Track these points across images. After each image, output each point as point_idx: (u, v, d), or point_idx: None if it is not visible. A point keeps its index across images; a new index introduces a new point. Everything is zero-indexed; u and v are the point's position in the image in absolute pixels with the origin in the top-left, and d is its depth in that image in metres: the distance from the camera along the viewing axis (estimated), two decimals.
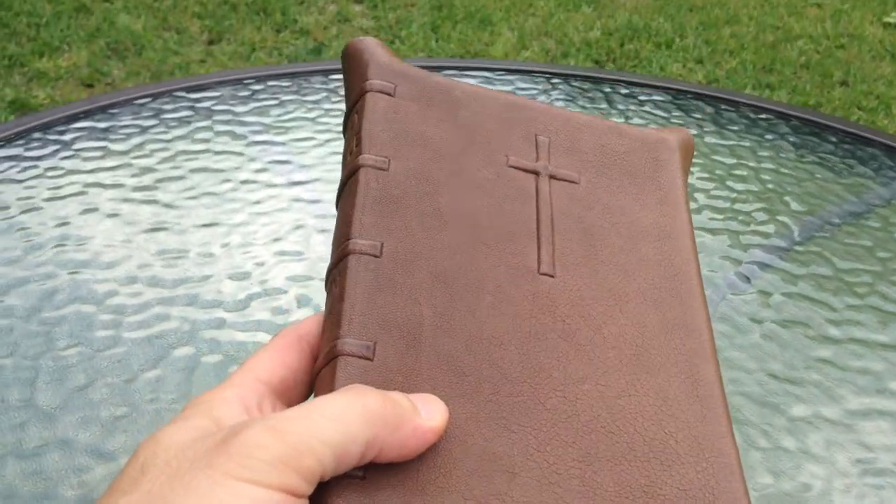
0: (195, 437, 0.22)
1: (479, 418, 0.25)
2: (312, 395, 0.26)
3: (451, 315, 0.27)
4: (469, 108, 0.32)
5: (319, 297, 0.53)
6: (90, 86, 2.07)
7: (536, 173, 0.31)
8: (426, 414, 0.24)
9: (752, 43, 2.53)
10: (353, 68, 0.31)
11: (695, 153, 0.70)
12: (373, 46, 0.32)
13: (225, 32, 2.34)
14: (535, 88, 0.80)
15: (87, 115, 0.70)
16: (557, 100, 0.78)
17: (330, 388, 0.24)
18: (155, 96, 0.73)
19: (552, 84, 0.81)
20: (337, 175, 0.65)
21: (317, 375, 0.26)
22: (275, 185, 0.63)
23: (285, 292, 0.53)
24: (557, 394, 0.26)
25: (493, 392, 0.25)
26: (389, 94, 0.30)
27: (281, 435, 0.21)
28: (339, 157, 0.67)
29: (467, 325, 0.27)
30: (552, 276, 0.29)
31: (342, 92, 0.77)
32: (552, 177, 0.31)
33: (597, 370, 0.27)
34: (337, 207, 0.30)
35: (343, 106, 0.74)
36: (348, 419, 0.22)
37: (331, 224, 0.60)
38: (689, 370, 0.28)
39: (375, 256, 0.27)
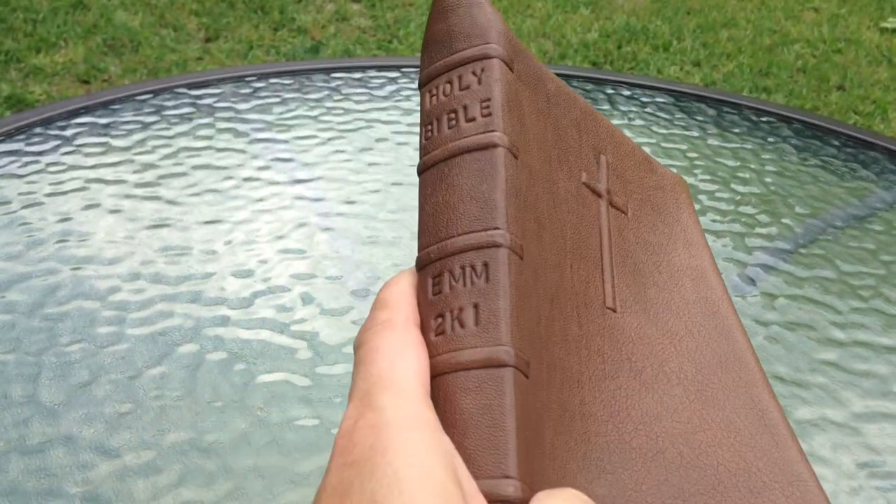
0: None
1: (577, 458, 0.24)
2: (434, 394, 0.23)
3: (554, 343, 0.25)
4: (559, 107, 0.29)
5: (323, 295, 0.53)
6: (86, 82, 2.06)
7: (600, 196, 0.30)
8: None
9: (749, 46, 2.54)
10: (468, 19, 0.27)
11: (697, 155, 0.70)
12: (488, 2, 0.28)
13: (222, 30, 2.34)
14: None
15: (87, 110, 0.69)
16: None
17: (498, 401, 0.21)
18: (156, 92, 0.73)
19: None
20: (339, 174, 0.65)
21: (460, 370, 0.22)
22: (277, 183, 0.63)
23: (289, 290, 0.53)
24: (640, 433, 0.26)
25: (584, 432, 0.25)
26: (511, 69, 0.26)
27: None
28: (342, 157, 0.67)
29: (562, 358, 0.25)
30: (615, 311, 0.28)
31: (344, 91, 0.77)
32: (610, 203, 0.30)
33: (668, 407, 0.27)
34: (426, 168, 0.25)
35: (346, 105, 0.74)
36: None
37: (334, 223, 0.60)
38: (750, 400, 0.29)
39: (520, 258, 0.24)
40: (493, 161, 0.24)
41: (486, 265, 0.23)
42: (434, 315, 0.23)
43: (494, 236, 0.23)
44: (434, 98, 0.26)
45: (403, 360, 0.22)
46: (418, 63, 0.83)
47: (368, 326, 0.24)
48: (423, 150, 0.26)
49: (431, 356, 0.23)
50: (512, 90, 0.26)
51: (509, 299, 0.23)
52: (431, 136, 0.26)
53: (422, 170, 0.26)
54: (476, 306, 0.23)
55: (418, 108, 0.75)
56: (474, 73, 0.26)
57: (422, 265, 0.24)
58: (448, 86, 0.26)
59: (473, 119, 0.25)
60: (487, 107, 0.25)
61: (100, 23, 2.31)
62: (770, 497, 0.26)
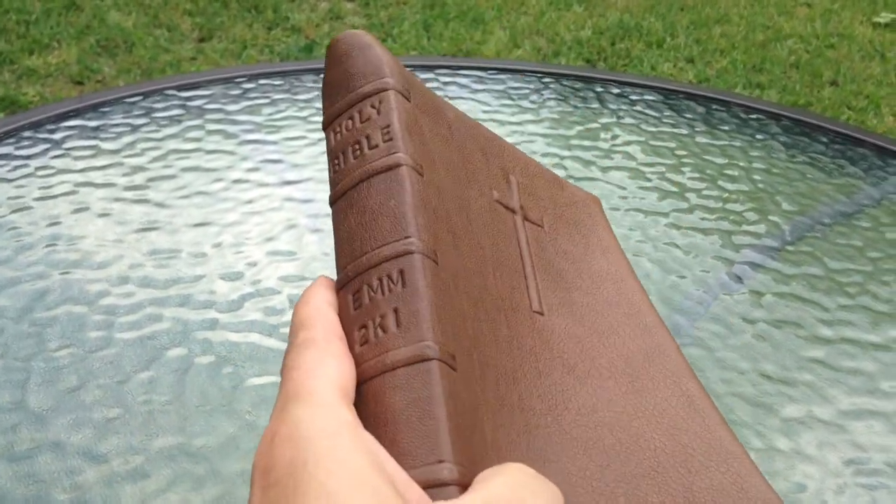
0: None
1: (520, 449, 0.25)
2: (366, 397, 0.23)
3: (484, 343, 0.26)
4: (461, 133, 0.31)
5: None
6: (80, 83, 2.06)
7: (514, 212, 0.31)
8: None
9: (742, 42, 2.54)
10: (361, 60, 0.28)
11: (686, 152, 0.70)
12: (379, 43, 0.29)
13: (216, 30, 2.33)
14: (526, 88, 0.80)
15: (77, 113, 0.69)
16: (549, 99, 0.78)
17: (426, 392, 0.22)
18: (146, 95, 0.73)
19: (544, 83, 0.81)
20: (327, 175, 0.65)
21: (387, 372, 0.23)
22: (267, 185, 0.63)
23: (278, 293, 0.53)
24: (579, 423, 0.27)
25: (525, 424, 0.26)
26: (407, 99, 0.28)
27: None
28: None
29: (494, 357, 0.26)
30: (542, 314, 0.29)
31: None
32: (525, 218, 0.32)
33: (603, 399, 0.29)
34: (336, 199, 0.26)
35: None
36: None
37: (324, 223, 0.60)
38: (679, 388, 0.30)
39: (435, 262, 0.24)
40: (399, 178, 0.25)
41: (401, 272, 0.24)
42: (357, 327, 0.24)
43: (407, 244, 0.24)
44: (338, 135, 0.28)
45: (321, 370, 0.22)
46: (413, 63, 0.83)
47: (289, 349, 0.24)
48: (333, 184, 0.27)
49: (358, 365, 0.23)
50: (411, 117, 0.27)
51: (427, 299, 0.23)
52: (339, 168, 0.27)
53: (333, 201, 0.27)
54: (396, 311, 0.23)
55: None
56: (373, 106, 0.27)
57: (341, 286, 0.25)
58: (350, 121, 0.27)
59: (376, 146, 0.26)
60: (388, 132, 0.26)
61: (93, 23, 2.31)
62: (708, 475, 0.27)
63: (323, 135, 0.70)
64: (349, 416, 0.21)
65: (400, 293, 0.23)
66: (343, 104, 0.28)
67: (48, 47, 2.19)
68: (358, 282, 0.24)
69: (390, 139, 0.26)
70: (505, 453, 0.24)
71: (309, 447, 0.20)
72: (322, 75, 0.79)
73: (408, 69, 0.30)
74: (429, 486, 0.20)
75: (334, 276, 0.55)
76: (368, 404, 0.22)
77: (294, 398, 0.21)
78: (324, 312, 0.24)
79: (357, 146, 0.27)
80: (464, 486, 0.21)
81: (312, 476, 0.19)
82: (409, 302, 0.23)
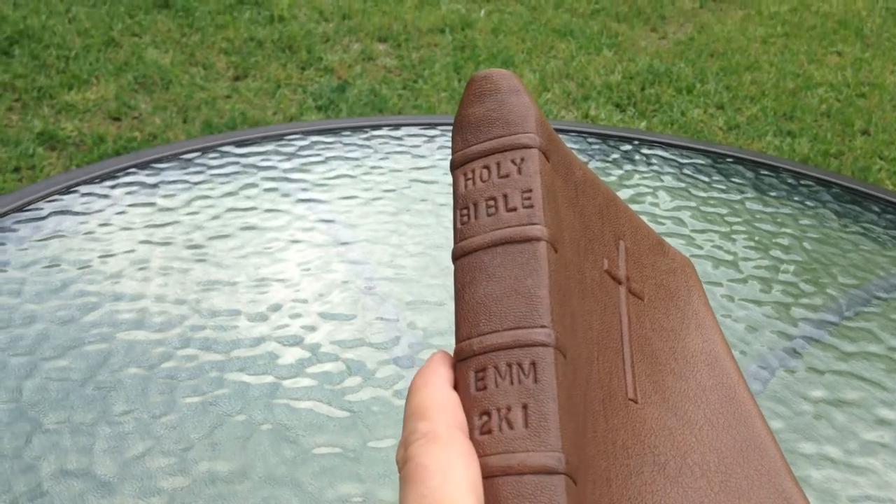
0: None
1: None
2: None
3: (586, 443, 0.25)
4: (585, 195, 0.29)
5: (369, 362, 0.53)
6: (118, 119, 2.09)
7: (620, 283, 0.30)
8: None
9: (772, 90, 2.55)
10: (507, 106, 0.27)
11: (738, 220, 0.70)
12: (526, 89, 0.28)
13: (251, 69, 2.37)
14: (574, 147, 0.81)
15: (136, 168, 0.71)
16: (595, 159, 0.78)
17: None
18: (202, 151, 0.74)
19: (589, 143, 0.81)
20: (381, 235, 0.65)
21: (511, 475, 0.22)
22: (321, 245, 0.64)
23: (335, 358, 0.53)
24: None
25: None
26: (547, 159, 0.27)
27: None
28: (383, 218, 0.68)
29: (593, 457, 0.25)
30: (636, 403, 0.28)
31: (385, 150, 0.78)
32: (629, 290, 0.31)
33: (693, 500, 0.28)
34: (463, 255, 0.25)
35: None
36: None
37: (379, 286, 0.60)
38: (775, 489, 0.29)
39: (564, 357, 0.24)
40: (537, 255, 0.24)
41: (533, 364, 0.23)
42: (479, 412, 0.23)
43: (541, 335, 0.23)
44: (470, 182, 0.26)
45: (454, 475, 0.22)
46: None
47: (410, 441, 0.23)
48: (459, 235, 0.26)
49: (479, 456, 0.22)
50: (549, 181, 0.26)
51: (557, 402, 0.22)
52: (468, 220, 0.25)
53: (458, 255, 0.25)
54: (525, 407, 0.22)
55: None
56: (514, 162, 0.26)
57: (462, 357, 0.24)
58: (485, 171, 0.26)
59: (515, 209, 0.25)
60: (529, 198, 0.25)
61: (131, 60, 2.35)
62: None
63: (375, 195, 0.71)
64: None
65: (531, 388, 0.23)
66: (479, 150, 0.26)
67: (87, 83, 2.23)
68: (483, 360, 0.23)
69: (531, 206, 0.25)
70: None
71: None
72: (371, 132, 0.80)
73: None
74: None
75: (385, 341, 0.55)
76: (488, 501, 0.22)
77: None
78: (444, 400, 0.23)
79: (493, 203, 0.25)
80: None
81: None
82: (540, 402, 0.22)
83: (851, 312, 0.60)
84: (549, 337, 0.23)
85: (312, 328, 0.56)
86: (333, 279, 0.60)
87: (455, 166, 0.27)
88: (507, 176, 0.26)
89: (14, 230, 0.62)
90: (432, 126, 0.82)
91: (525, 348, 0.23)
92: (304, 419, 0.49)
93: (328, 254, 0.63)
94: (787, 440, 0.49)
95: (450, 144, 0.80)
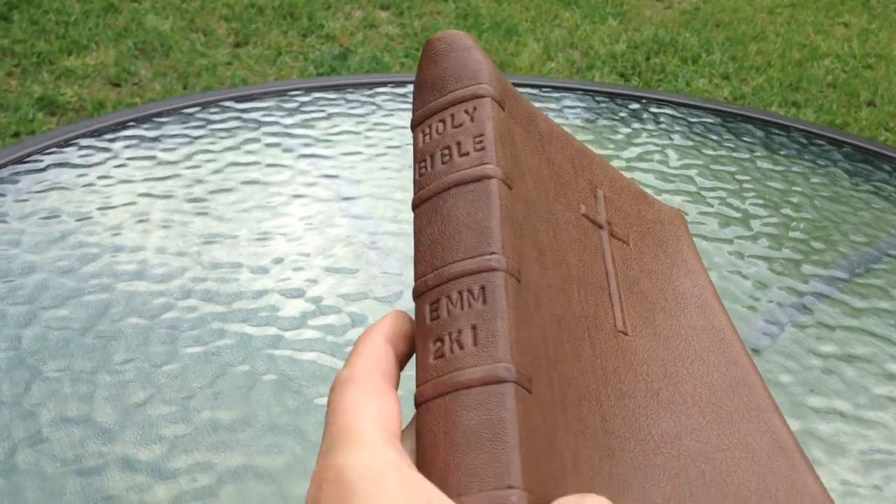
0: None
1: (603, 473, 0.24)
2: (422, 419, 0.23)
3: (566, 364, 0.25)
4: (552, 145, 0.30)
5: (373, 315, 0.52)
6: (117, 85, 2.07)
7: (600, 227, 0.31)
8: None
9: (778, 60, 2.52)
10: (459, 62, 0.27)
11: (748, 178, 0.69)
12: (478, 46, 0.28)
13: (251, 36, 2.35)
14: (580, 105, 0.79)
15: (136, 122, 0.70)
16: (605, 118, 0.77)
17: (499, 415, 0.21)
18: (203, 105, 0.73)
19: (597, 101, 0.80)
20: (384, 191, 0.64)
21: (460, 389, 0.22)
22: (325, 200, 0.63)
23: (339, 311, 0.53)
24: (662, 450, 0.26)
25: (607, 447, 0.25)
26: (502, 108, 0.27)
27: None
28: (388, 174, 0.67)
29: (577, 377, 0.25)
30: (626, 335, 0.28)
31: (389, 107, 0.77)
32: (611, 234, 0.31)
33: (686, 427, 0.27)
34: (420, 203, 0.26)
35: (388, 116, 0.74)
36: None
37: (383, 241, 0.59)
38: (764, 424, 0.29)
39: (518, 281, 0.24)
40: (488, 191, 0.25)
41: (483, 288, 0.23)
42: (433, 339, 0.23)
43: (490, 261, 0.24)
44: (427, 136, 0.27)
45: (362, 411, 0.22)
46: None
47: (332, 387, 0.24)
48: (417, 186, 0.26)
49: (431, 379, 0.23)
50: (504, 127, 0.27)
51: (507, 319, 0.23)
52: (425, 171, 0.26)
53: (416, 204, 0.26)
54: (474, 328, 0.23)
55: None
56: (466, 112, 0.26)
57: (419, 293, 0.25)
58: (441, 124, 0.27)
59: (467, 153, 0.26)
60: (480, 141, 0.26)
61: (131, 26, 2.32)
62: None
63: (379, 151, 0.70)
64: (395, 456, 0.21)
65: (480, 310, 0.23)
66: (435, 106, 0.27)
67: (86, 49, 2.20)
68: (437, 292, 0.24)
69: (482, 149, 0.26)
70: (587, 478, 0.23)
71: (354, 491, 0.20)
72: (375, 89, 0.79)
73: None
74: None
75: (389, 294, 0.54)
76: (438, 420, 0.22)
77: (339, 441, 0.21)
78: (369, 347, 0.24)
79: (447, 151, 0.26)
80: None
81: None
82: (488, 320, 0.23)
83: (862, 269, 0.59)
84: (498, 262, 0.24)
85: (315, 281, 0.55)
86: (337, 234, 0.60)
87: (414, 126, 0.28)
88: (460, 125, 0.26)
89: (13, 182, 0.61)
90: None
91: (475, 275, 0.24)
92: (307, 370, 0.48)
93: (331, 209, 0.62)
94: (795, 394, 0.49)
95: None
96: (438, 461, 0.21)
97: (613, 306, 0.29)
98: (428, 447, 0.22)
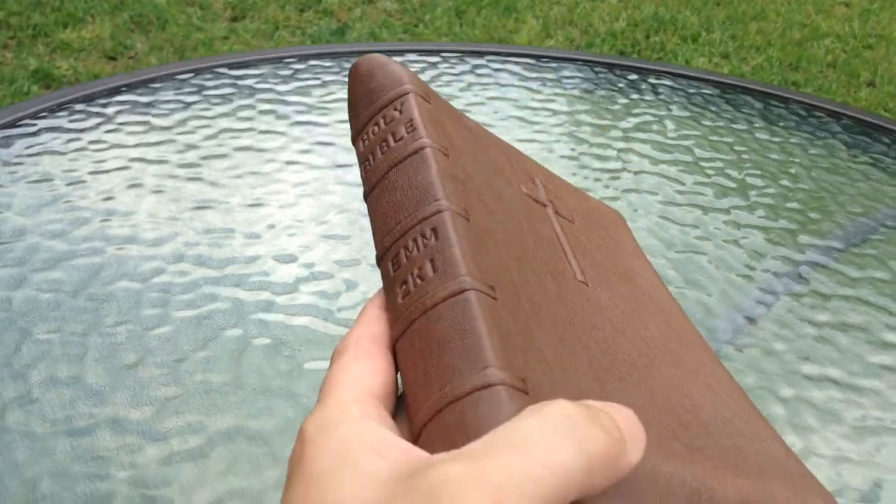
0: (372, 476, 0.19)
1: (587, 379, 0.24)
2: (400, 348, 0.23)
3: (532, 291, 0.26)
4: (482, 140, 0.32)
5: (366, 281, 0.52)
6: (113, 58, 2.06)
7: (544, 205, 0.32)
8: (632, 445, 0.19)
9: (778, 40, 2.51)
10: (381, 75, 0.30)
11: (745, 148, 0.69)
12: (395, 62, 0.32)
13: (248, 10, 2.33)
14: (578, 76, 0.79)
15: (128, 88, 0.69)
16: (603, 89, 0.76)
17: (465, 315, 0.22)
18: (196, 72, 0.72)
19: (595, 72, 0.80)
20: None
21: (428, 310, 0.23)
22: (319, 167, 0.62)
23: (332, 276, 0.52)
24: (634, 376, 0.26)
25: (588, 359, 0.25)
26: (428, 102, 0.29)
27: (481, 474, 0.17)
28: None
29: (546, 304, 0.26)
30: (587, 285, 0.29)
31: None
32: (556, 212, 0.32)
33: (654, 361, 0.28)
34: (369, 192, 0.27)
35: None
36: (566, 466, 0.17)
37: None
38: (715, 373, 0.30)
39: (466, 219, 0.25)
40: (425, 157, 0.27)
41: (434, 229, 0.24)
42: (399, 284, 0.24)
43: (437, 205, 0.25)
44: (365, 142, 0.29)
45: (344, 375, 0.23)
46: (458, 48, 0.82)
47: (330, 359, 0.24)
48: (365, 182, 0.28)
49: (401, 314, 0.23)
50: (433, 114, 0.29)
51: (461, 245, 0.24)
52: (369, 166, 0.28)
53: (366, 194, 0.28)
54: (432, 260, 0.24)
55: (459, 94, 0.74)
56: (395, 109, 0.29)
57: (380, 258, 0.26)
58: (375, 127, 0.29)
59: (401, 138, 0.28)
60: (411, 125, 0.28)
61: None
62: (755, 443, 0.27)
63: None
64: (356, 410, 0.21)
65: (434, 245, 0.24)
66: (367, 114, 0.29)
67: (82, 21, 2.19)
68: (394, 249, 0.25)
69: (413, 129, 0.27)
70: (574, 379, 0.23)
71: (307, 441, 0.20)
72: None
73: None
74: (478, 390, 0.20)
75: None
76: (415, 345, 0.22)
77: (316, 404, 0.22)
78: (364, 316, 0.25)
79: (384, 143, 0.28)
80: (520, 391, 0.20)
81: (301, 466, 0.19)
82: (443, 249, 0.24)
83: (859, 240, 0.59)
84: (444, 205, 0.25)
85: (309, 247, 0.55)
86: (331, 201, 0.59)
87: (354, 140, 0.29)
88: (392, 121, 0.29)
89: (5, 146, 0.61)
90: (434, 53, 0.80)
91: (425, 221, 0.25)
92: (300, 335, 0.48)
93: (326, 176, 0.62)
94: (789, 362, 0.49)
95: (451, 71, 0.78)
96: (416, 381, 0.21)
97: (570, 262, 0.30)
98: (408, 376, 0.22)
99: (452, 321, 0.22)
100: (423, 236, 0.24)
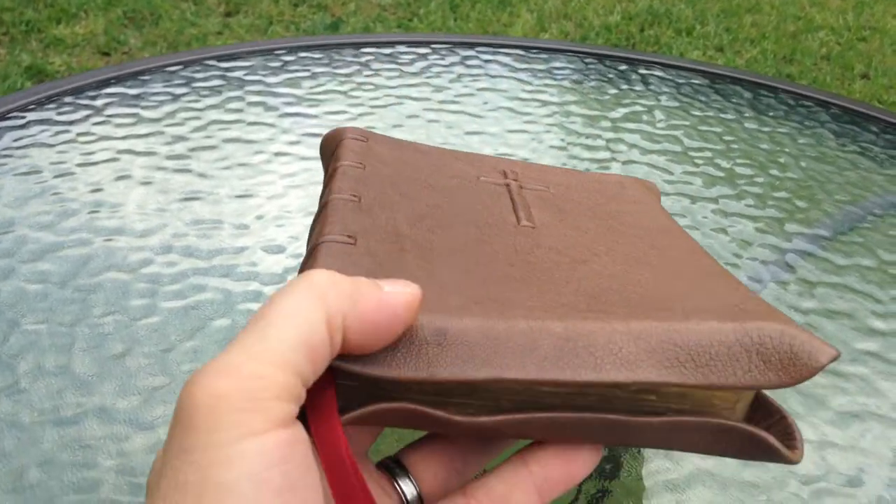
0: (166, 443, 0.21)
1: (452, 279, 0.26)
2: None
3: (426, 236, 0.28)
4: (438, 154, 0.36)
5: None
6: (107, 54, 2.05)
7: (507, 185, 0.35)
8: (391, 289, 0.22)
9: (773, 32, 2.51)
10: (330, 143, 0.36)
11: (734, 138, 0.69)
12: (342, 129, 0.37)
13: (242, 5, 2.32)
14: (569, 67, 0.79)
15: (117, 80, 0.69)
16: (592, 79, 0.76)
17: (314, 253, 0.26)
18: (186, 64, 0.72)
19: (586, 63, 0.80)
20: None
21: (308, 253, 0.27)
22: (308, 159, 0.62)
23: None
24: (545, 275, 0.28)
25: (476, 267, 0.27)
26: (363, 141, 0.35)
27: (237, 374, 0.20)
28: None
29: (439, 241, 0.29)
30: (533, 227, 0.31)
31: (374, 66, 0.76)
32: (522, 186, 0.35)
33: (594, 263, 0.29)
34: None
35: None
36: (301, 306, 0.20)
37: None
38: (693, 264, 0.30)
39: (355, 200, 0.29)
40: (335, 172, 0.32)
41: (325, 205, 0.30)
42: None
43: (329, 196, 0.30)
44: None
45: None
46: (448, 40, 0.82)
47: None
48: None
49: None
50: (361, 145, 0.34)
51: (334, 215, 0.28)
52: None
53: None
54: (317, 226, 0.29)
55: (448, 85, 0.74)
56: (334, 156, 0.34)
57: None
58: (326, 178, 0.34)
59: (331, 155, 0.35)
60: (337, 155, 0.34)
61: None
62: (691, 302, 0.26)
63: (363, 111, 0.69)
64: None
65: (323, 215, 0.30)
66: (329, 170, 0.34)
67: (75, 17, 2.18)
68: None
69: (337, 159, 0.33)
70: (441, 268, 0.27)
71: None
72: (361, 49, 0.78)
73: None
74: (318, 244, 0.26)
75: None
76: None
77: None
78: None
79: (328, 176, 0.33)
80: (345, 243, 0.26)
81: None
82: (325, 217, 0.29)
83: (846, 228, 0.59)
84: (333, 196, 0.30)
85: (297, 238, 0.55)
86: (320, 192, 0.59)
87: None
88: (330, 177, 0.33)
89: None
90: (424, 44, 0.80)
91: (323, 207, 0.30)
92: None
93: (315, 167, 0.62)
94: None
95: (441, 62, 0.78)
96: None
97: (517, 214, 0.32)
98: None
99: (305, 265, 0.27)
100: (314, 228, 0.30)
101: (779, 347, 0.23)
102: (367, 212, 0.29)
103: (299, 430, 0.20)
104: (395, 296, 0.22)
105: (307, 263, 0.26)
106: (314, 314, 0.21)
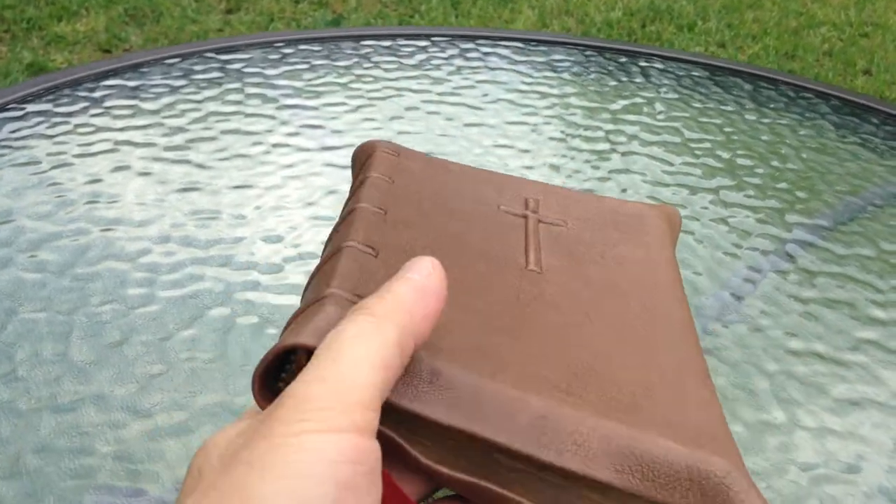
0: (243, 429, 0.21)
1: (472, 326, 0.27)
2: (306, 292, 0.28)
3: (445, 267, 0.29)
4: (464, 174, 0.37)
5: None
6: (108, 51, 2.05)
7: (525, 217, 0.35)
8: (416, 271, 0.24)
9: (774, 28, 2.50)
10: (361, 155, 0.37)
11: (734, 129, 0.69)
12: (373, 142, 0.38)
13: (243, 1, 2.32)
14: (569, 60, 0.79)
15: (116, 72, 0.69)
16: (592, 72, 0.76)
17: (331, 274, 0.27)
18: (184, 56, 0.72)
19: (586, 56, 0.79)
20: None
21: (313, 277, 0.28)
22: (307, 150, 0.62)
23: (319, 257, 0.52)
24: (537, 335, 0.28)
25: (477, 314, 0.28)
26: (394, 156, 0.36)
27: (327, 381, 0.21)
28: (372, 125, 0.66)
29: (456, 273, 0.30)
30: (539, 273, 0.32)
31: (373, 59, 0.76)
32: (540, 220, 0.35)
33: (582, 331, 0.29)
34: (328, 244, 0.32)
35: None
36: (374, 350, 0.22)
37: None
38: (675, 352, 0.30)
39: (381, 213, 0.31)
40: (363, 183, 0.34)
41: (351, 211, 0.32)
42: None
43: (355, 204, 0.32)
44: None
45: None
46: (448, 33, 0.82)
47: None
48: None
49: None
50: (392, 160, 0.36)
51: (360, 223, 0.30)
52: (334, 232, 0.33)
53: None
54: (339, 230, 0.32)
55: (448, 78, 0.74)
56: (362, 169, 0.36)
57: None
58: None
59: (337, 230, 0.34)
60: (368, 164, 0.35)
61: None
62: (657, 409, 0.26)
63: (362, 102, 0.69)
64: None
65: (347, 219, 0.32)
66: (356, 180, 0.36)
67: (77, 14, 2.18)
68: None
69: (367, 170, 0.35)
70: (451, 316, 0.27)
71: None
72: (361, 42, 0.78)
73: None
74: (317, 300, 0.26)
75: None
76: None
77: None
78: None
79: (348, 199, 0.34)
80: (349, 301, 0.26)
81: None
82: (350, 224, 0.31)
83: (846, 218, 0.59)
84: (361, 205, 0.32)
85: (296, 228, 0.55)
86: (319, 183, 0.59)
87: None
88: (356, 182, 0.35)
89: None
90: (424, 37, 0.80)
91: (347, 217, 0.32)
92: (286, 314, 0.48)
93: (314, 158, 0.62)
94: (775, 337, 0.49)
95: (441, 55, 0.78)
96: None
97: (528, 255, 0.32)
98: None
99: (326, 275, 0.28)
100: (338, 230, 0.31)
101: (717, 488, 0.24)
102: (390, 227, 0.31)
103: (375, 444, 0.21)
104: (426, 275, 0.24)
105: (328, 264, 0.28)
106: (392, 350, 0.22)
